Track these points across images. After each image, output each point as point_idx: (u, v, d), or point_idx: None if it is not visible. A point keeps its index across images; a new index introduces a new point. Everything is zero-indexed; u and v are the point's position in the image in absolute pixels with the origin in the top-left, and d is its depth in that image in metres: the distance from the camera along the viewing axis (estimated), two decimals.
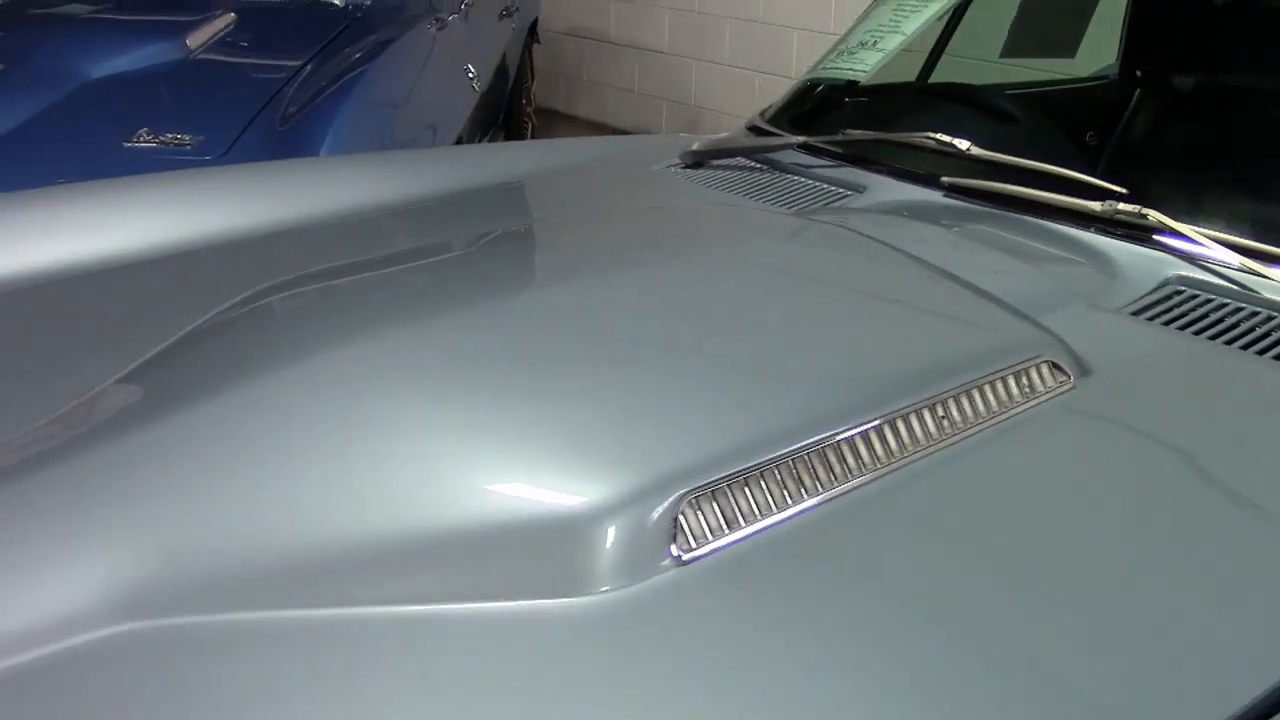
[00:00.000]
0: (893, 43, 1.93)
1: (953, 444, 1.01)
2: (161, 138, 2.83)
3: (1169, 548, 0.92)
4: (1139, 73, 2.28)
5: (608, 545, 0.85)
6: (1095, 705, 0.75)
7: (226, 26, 3.59)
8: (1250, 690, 0.75)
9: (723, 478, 0.89)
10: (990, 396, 1.06)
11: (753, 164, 1.81)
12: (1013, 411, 1.06)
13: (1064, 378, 1.12)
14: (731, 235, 1.43)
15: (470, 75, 3.90)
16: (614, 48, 6.48)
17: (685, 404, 0.98)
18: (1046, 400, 1.09)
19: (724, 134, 1.99)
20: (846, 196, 1.63)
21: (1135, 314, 1.28)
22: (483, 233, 1.58)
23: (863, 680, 0.77)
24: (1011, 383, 1.09)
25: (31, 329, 1.33)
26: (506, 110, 4.98)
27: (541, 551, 0.85)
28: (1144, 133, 1.99)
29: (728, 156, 1.84)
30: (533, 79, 5.50)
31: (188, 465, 0.90)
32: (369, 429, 0.92)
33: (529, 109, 5.45)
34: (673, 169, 1.85)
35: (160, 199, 1.71)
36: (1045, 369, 1.12)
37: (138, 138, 2.85)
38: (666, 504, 0.87)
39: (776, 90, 5.27)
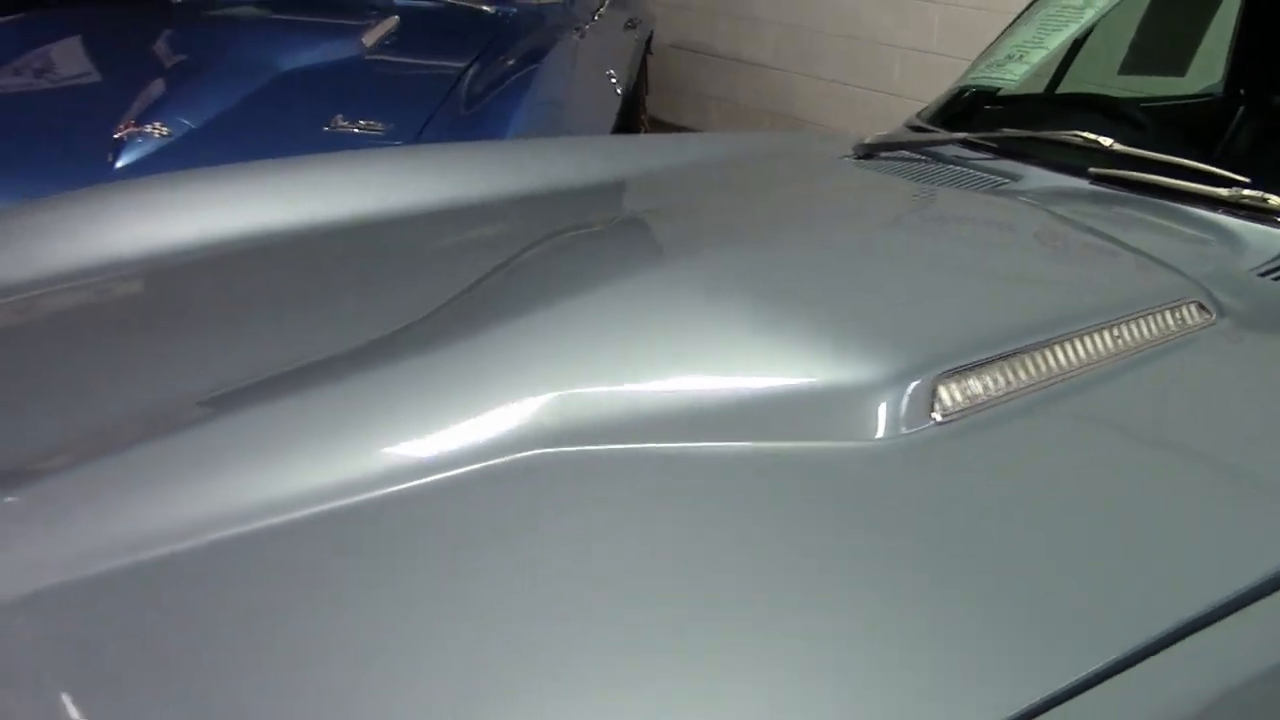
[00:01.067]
0: (1036, 56, 2.25)
1: (1126, 357, 1.34)
2: (356, 124, 3.19)
3: None
4: (1242, 90, 2.60)
5: (883, 406, 1.19)
6: None
7: (392, 28, 3.96)
8: None
9: (968, 364, 1.23)
10: (1153, 324, 1.39)
11: (918, 156, 2.14)
12: (1169, 337, 1.39)
13: (1208, 315, 1.45)
14: (929, 201, 1.77)
15: (613, 80, 4.26)
16: (720, 61, 6.81)
17: (936, 310, 1.33)
18: (1195, 331, 1.42)
19: (885, 131, 2.32)
20: (1005, 183, 1.96)
21: (1261, 275, 1.60)
22: (705, 196, 1.93)
23: (1073, 510, 1.10)
24: (1169, 316, 1.41)
25: (358, 266, 1.68)
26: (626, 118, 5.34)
27: (833, 408, 1.19)
28: (1251, 136, 2.31)
29: (896, 149, 2.17)
30: (647, 89, 5.83)
31: (567, 341, 1.25)
32: (700, 315, 1.27)
33: (644, 117, 5.78)
34: (846, 159, 2.19)
35: (391, 169, 2.06)
36: (1194, 308, 1.44)
37: (334, 124, 3.21)
38: (929, 378, 1.20)
39: (878, 105, 5.61)
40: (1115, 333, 1.34)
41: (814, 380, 1.19)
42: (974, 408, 1.19)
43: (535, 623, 0.90)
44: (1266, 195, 1.68)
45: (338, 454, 1.09)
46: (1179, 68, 2.87)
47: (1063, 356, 1.28)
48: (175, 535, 0.99)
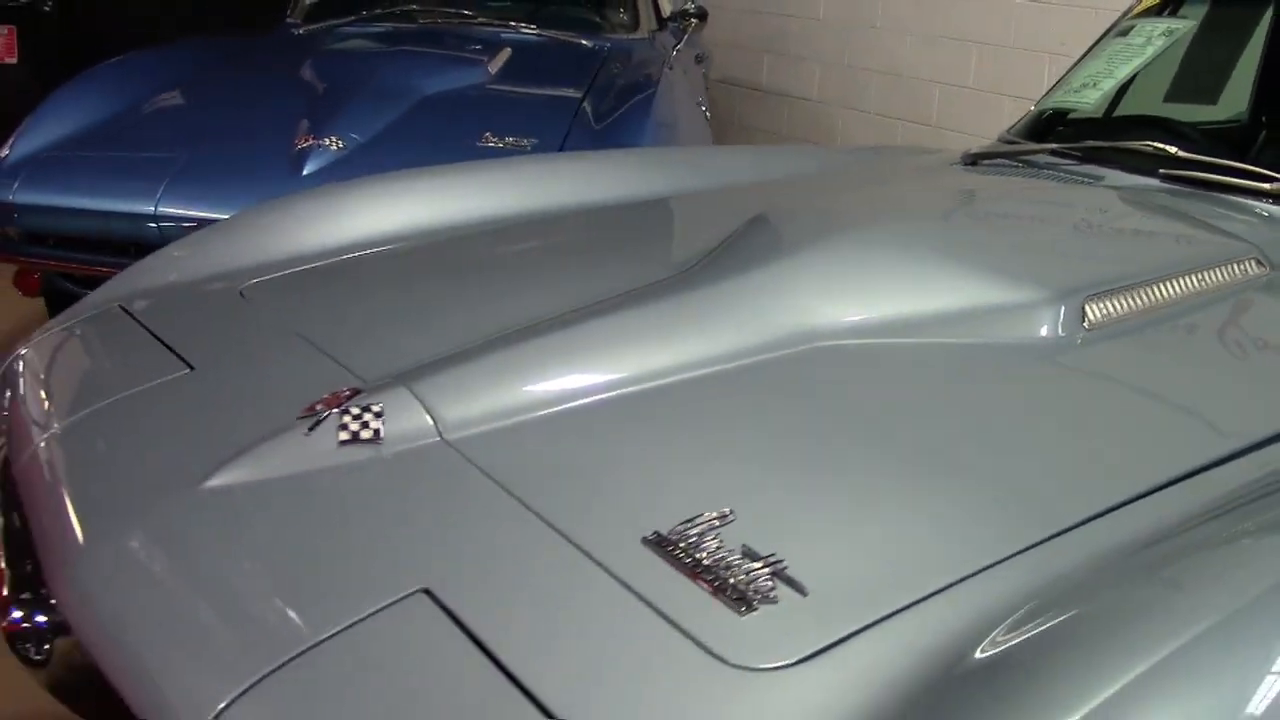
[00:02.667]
0: (1108, 84, 2.82)
1: (1211, 294, 1.89)
2: (504, 140, 3.75)
3: None
4: (1264, 117, 3.19)
5: (1048, 314, 1.74)
6: None
7: (508, 58, 4.52)
8: None
9: (1107, 290, 1.77)
10: (1227, 272, 1.93)
11: (1015, 164, 2.71)
12: (1238, 282, 1.93)
13: (1264, 268, 2.00)
14: (1040, 191, 2.35)
15: (702, 108, 4.84)
16: (764, 95, 7.39)
17: (1078, 255, 1.89)
18: (1256, 278, 1.98)
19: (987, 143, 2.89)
20: (1093, 182, 2.52)
21: None
22: (848, 190, 2.50)
23: (1171, 397, 1.64)
24: (1236, 267, 1.96)
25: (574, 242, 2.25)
26: None
27: (1016, 318, 1.74)
28: (1277, 148, 2.88)
29: (995, 158, 2.74)
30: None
31: (815, 277, 1.79)
32: (905, 259, 1.82)
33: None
34: (955, 165, 2.76)
35: (564, 171, 2.62)
36: (1253, 262, 1.99)
37: (485, 139, 3.76)
38: (1080, 298, 1.75)
39: (917, 138, 6.16)
40: (1201, 276, 1.89)
41: (1002, 299, 1.74)
42: (1111, 321, 1.74)
43: (823, 459, 1.45)
44: None
45: (678, 343, 1.64)
46: (1212, 98, 3.44)
47: (1169, 289, 1.83)
48: (582, 393, 1.54)
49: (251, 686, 1.13)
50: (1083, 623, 1.06)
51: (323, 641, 1.16)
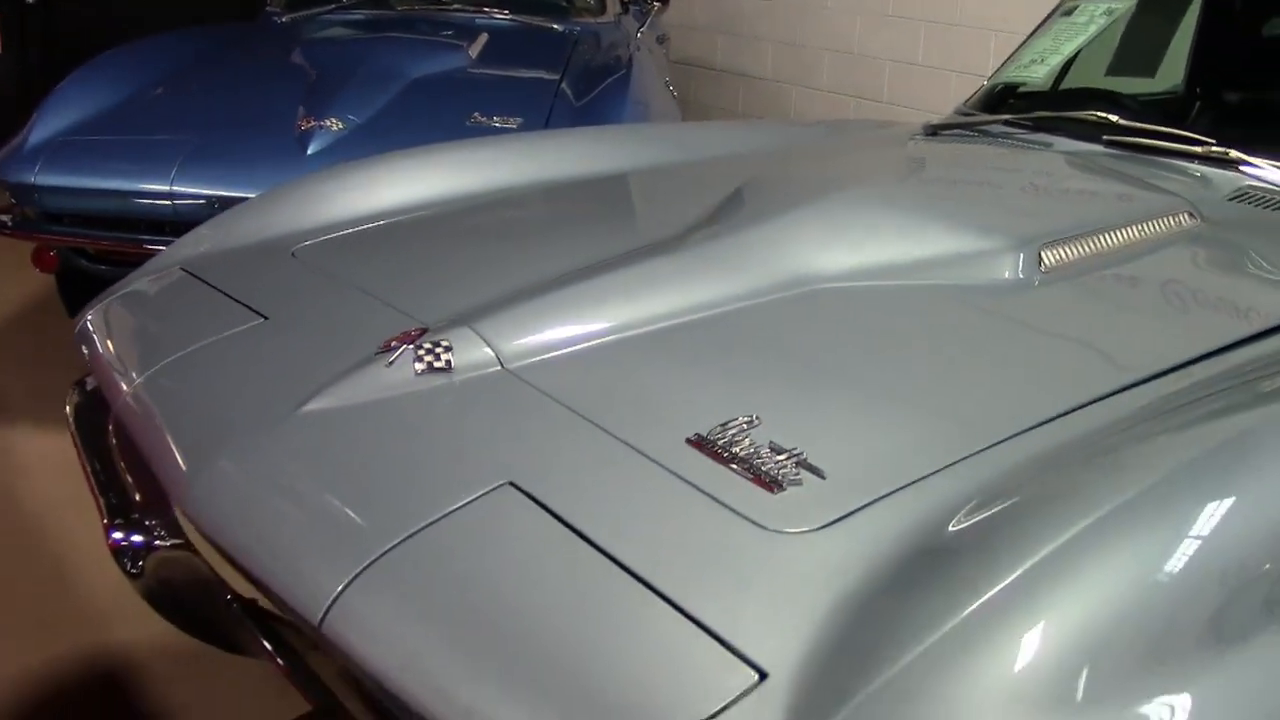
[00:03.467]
0: (1054, 60, 3.13)
1: (1150, 242, 2.18)
2: (493, 119, 4.01)
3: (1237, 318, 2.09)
4: (1198, 88, 3.51)
5: (1010, 260, 2.04)
6: None
7: (485, 43, 4.78)
8: None
9: (1060, 238, 2.06)
10: (1164, 223, 2.23)
11: (972, 134, 3.01)
12: (1174, 232, 2.24)
13: (1195, 220, 2.30)
14: (996, 157, 2.65)
15: (670, 87, 5.12)
16: (719, 74, 7.67)
17: (1034, 210, 2.19)
18: (1189, 229, 2.28)
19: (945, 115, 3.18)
20: (1043, 148, 2.83)
21: (1227, 200, 2.47)
22: (824, 159, 2.79)
23: (1110, 329, 1.94)
24: (1172, 219, 2.26)
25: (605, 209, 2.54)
26: None
27: (980, 263, 2.03)
28: (1210, 116, 3.19)
29: (954, 129, 3.04)
30: None
31: (812, 228, 2.08)
32: (888, 212, 2.11)
33: None
34: (918, 136, 3.06)
35: (556, 146, 2.89)
36: (1186, 215, 2.30)
37: (473, 119, 4.01)
38: (1036, 245, 2.05)
39: (870, 113, 6.45)
40: (1141, 227, 2.19)
41: (970, 247, 2.03)
42: (1064, 265, 2.04)
43: (829, 377, 1.75)
44: (1228, 150, 2.54)
45: (698, 287, 1.92)
46: (1150, 71, 3.76)
47: (1114, 238, 2.13)
48: (618, 329, 1.81)
49: (366, 568, 1.38)
50: (1033, 498, 1.34)
51: (424, 528, 1.41)
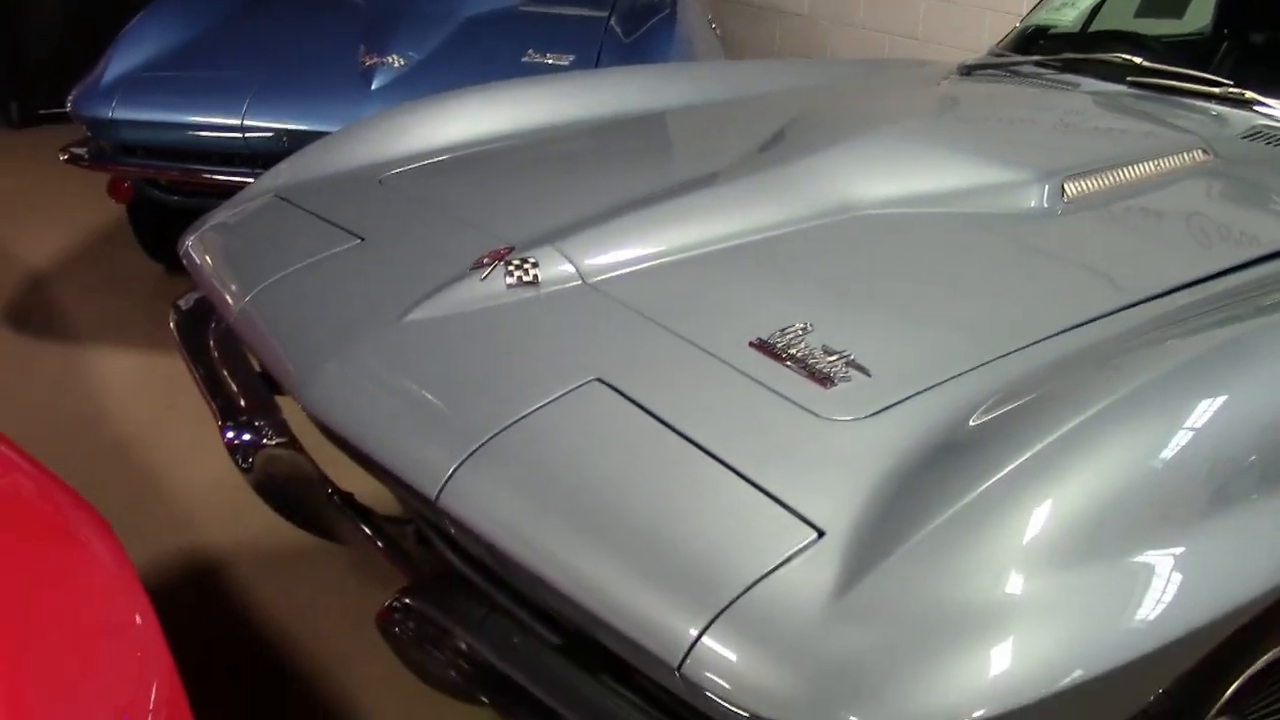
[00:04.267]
0: (1084, 3, 3.33)
1: (1167, 175, 2.39)
2: (546, 56, 4.20)
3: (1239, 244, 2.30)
4: (1225, 30, 3.69)
5: (1035, 190, 2.25)
6: None
7: None
8: None
9: (1082, 171, 2.28)
10: (1179, 159, 2.44)
11: (1003, 73, 3.21)
12: (1188, 167, 2.45)
13: (1209, 157, 2.51)
14: (1029, 96, 2.85)
15: (714, 28, 5.29)
16: (757, 10, 7.81)
17: (1060, 145, 2.40)
18: (1202, 165, 2.48)
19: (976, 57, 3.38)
20: (1071, 88, 3.03)
21: (1240, 138, 2.67)
22: (868, 95, 3.00)
23: (1129, 254, 2.16)
24: (1187, 155, 2.46)
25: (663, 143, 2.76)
26: None
27: (1007, 193, 2.26)
28: (1232, 58, 3.38)
29: (987, 69, 3.23)
30: None
31: (860, 159, 2.29)
32: (929, 147, 2.32)
33: None
34: (953, 75, 3.26)
35: (613, 84, 3.08)
36: (1200, 152, 2.50)
37: (528, 55, 4.19)
38: (1060, 178, 2.27)
39: (905, 50, 6.58)
40: (1158, 162, 2.39)
41: (1000, 178, 2.24)
42: (1086, 197, 2.25)
43: (872, 291, 1.97)
44: (1244, 91, 2.74)
45: (754, 212, 2.14)
46: (1178, 14, 3.94)
47: (1133, 172, 2.33)
48: (685, 248, 2.02)
49: (475, 451, 1.60)
50: (1048, 393, 1.55)
51: (524, 418, 1.63)
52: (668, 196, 2.10)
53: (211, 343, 2.32)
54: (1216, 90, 2.72)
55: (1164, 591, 1.35)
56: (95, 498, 1.63)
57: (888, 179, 2.17)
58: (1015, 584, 1.27)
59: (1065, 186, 2.18)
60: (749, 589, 1.30)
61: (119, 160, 3.97)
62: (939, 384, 1.59)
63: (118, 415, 3.66)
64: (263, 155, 3.71)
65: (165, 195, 4.08)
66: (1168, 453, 1.43)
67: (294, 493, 2.13)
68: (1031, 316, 1.79)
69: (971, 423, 1.50)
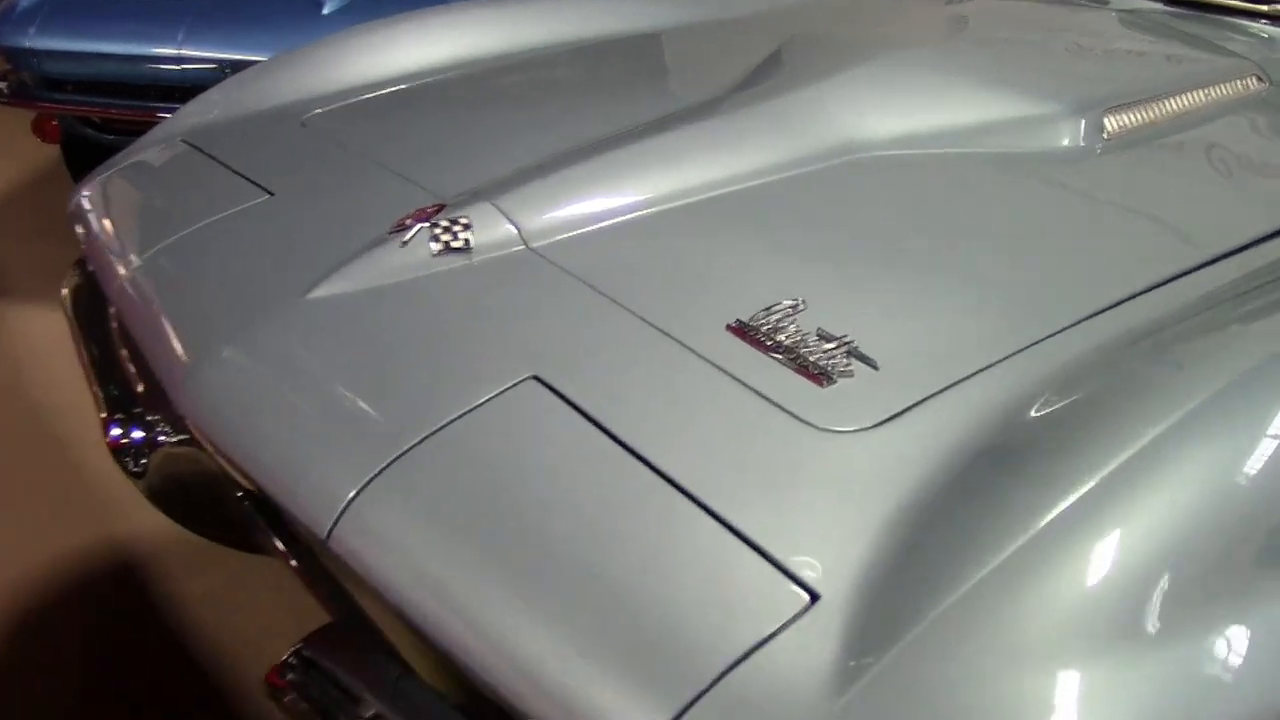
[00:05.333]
0: None
1: (1218, 105, 2.03)
2: None
3: None
4: None
5: (1070, 126, 1.88)
6: None
7: None
8: None
9: (1123, 103, 1.91)
10: (1231, 87, 2.07)
11: None
12: (1241, 96, 2.08)
13: (1264, 84, 2.14)
14: (1052, 15, 2.47)
15: None
16: None
17: (1095, 73, 2.03)
18: (1257, 93, 2.11)
19: None
20: (1099, 7, 2.65)
21: None
22: (865, 18, 2.61)
23: (1193, 209, 1.79)
24: (1239, 82, 2.10)
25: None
26: None
27: (1040, 130, 1.88)
28: None
29: None
30: None
31: (858, 93, 1.91)
32: (940, 78, 1.95)
33: None
34: None
35: (580, 4, 2.69)
36: (1254, 79, 2.14)
37: None
38: (1100, 111, 1.90)
39: None
40: (1208, 91, 2.03)
41: (1028, 112, 1.87)
42: (1127, 132, 1.89)
43: (879, 255, 1.60)
44: None
45: (734, 156, 1.77)
46: None
47: (1180, 103, 1.97)
48: (649, 203, 1.67)
49: (377, 475, 1.26)
50: (1101, 398, 1.22)
51: (443, 427, 1.30)
52: (634, 138, 1.76)
53: (112, 313, 1.94)
54: (1265, 8, 2.37)
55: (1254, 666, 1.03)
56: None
57: (896, 114, 1.83)
58: (1071, 677, 0.92)
59: (1106, 121, 1.84)
60: (717, 681, 0.98)
61: (43, 96, 3.57)
62: (963, 380, 1.27)
63: (42, 379, 3.36)
64: (203, 90, 3.30)
65: (99, 134, 3.68)
66: (1252, 479, 1.11)
67: (199, 499, 1.77)
68: (1072, 287, 1.47)
69: (1006, 438, 1.18)
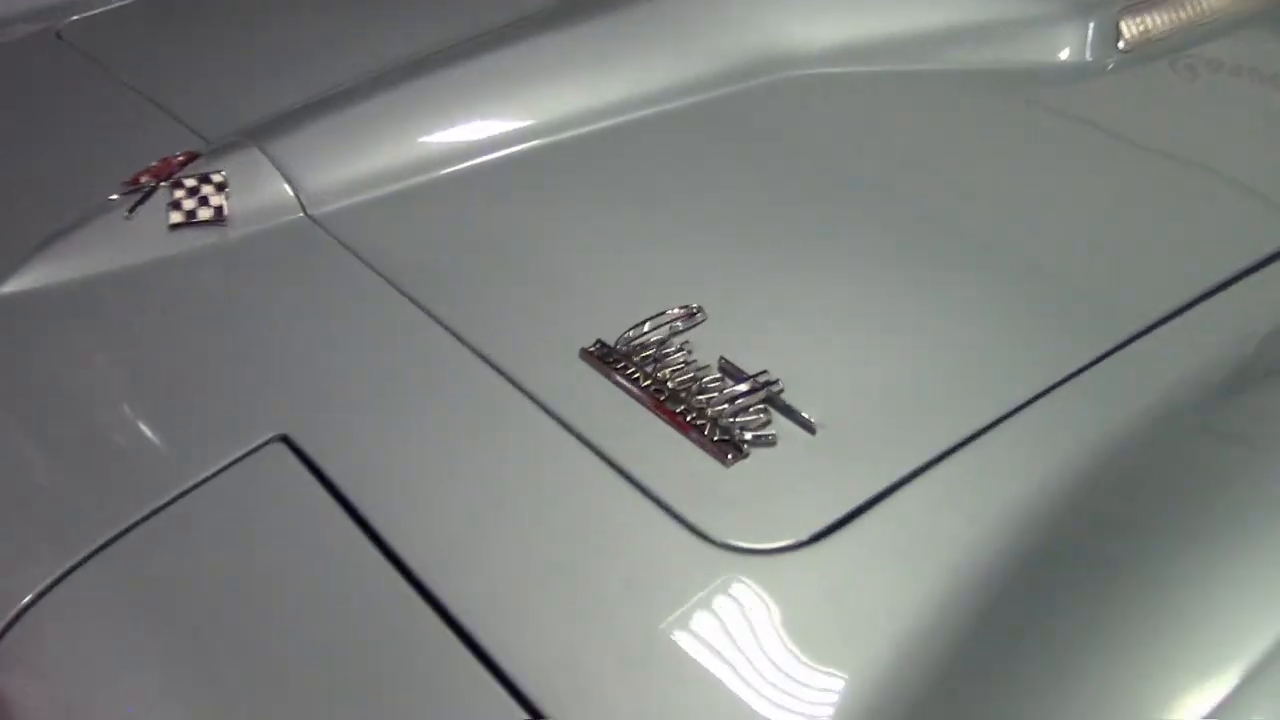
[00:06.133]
0: None
1: (1253, 7, 1.53)
2: None
3: None
4: None
5: (1076, 33, 1.37)
6: None
7: None
8: None
9: (1139, 3, 1.41)
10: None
11: None
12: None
13: None
14: None
15: None
16: None
17: None
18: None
19: None
20: None
21: None
22: None
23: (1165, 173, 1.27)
24: None
25: None
26: None
27: (1033, 39, 1.38)
28: None
29: None
30: None
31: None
32: None
33: None
34: None
35: None
36: None
37: None
38: (1113, 12, 1.39)
39: None
40: None
41: (1018, 13, 1.37)
42: (1148, 41, 1.38)
43: (813, 229, 1.09)
44: None
45: (606, 77, 1.26)
46: None
47: (1206, 4, 1.47)
48: (486, 147, 1.18)
49: (63, 576, 0.83)
50: (1182, 515, 0.75)
51: (156, 512, 0.85)
52: (465, 55, 1.26)
53: None
54: None
55: None
56: None
57: (837, 16, 1.30)
58: None
59: (1122, 25, 1.36)
60: None
61: None
62: (956, 449, 0.80)
63: None
64: None
65: None
66: None
67: None
68: (1097, 282, 0.99)
69: (1032, 575, 0.71)
